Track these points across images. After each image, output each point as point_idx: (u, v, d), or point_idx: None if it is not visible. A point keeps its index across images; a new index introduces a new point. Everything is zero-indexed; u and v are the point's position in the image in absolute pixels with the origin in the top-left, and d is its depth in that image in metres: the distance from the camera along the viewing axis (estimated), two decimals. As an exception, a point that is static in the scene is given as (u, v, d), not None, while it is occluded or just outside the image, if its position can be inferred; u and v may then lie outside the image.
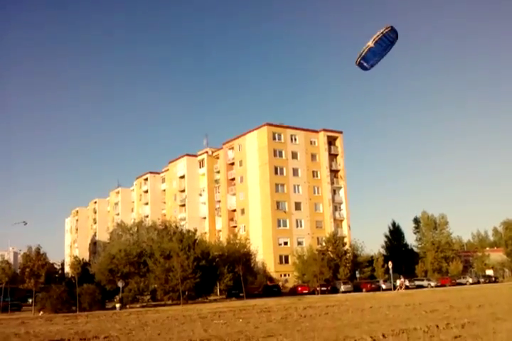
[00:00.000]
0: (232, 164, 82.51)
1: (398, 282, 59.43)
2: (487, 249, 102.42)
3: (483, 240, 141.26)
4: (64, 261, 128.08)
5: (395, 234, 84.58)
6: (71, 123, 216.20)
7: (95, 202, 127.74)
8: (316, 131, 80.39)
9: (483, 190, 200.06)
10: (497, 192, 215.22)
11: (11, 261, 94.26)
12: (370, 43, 11.92)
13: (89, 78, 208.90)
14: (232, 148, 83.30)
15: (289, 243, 72.17)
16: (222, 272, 52.00)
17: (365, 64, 12.40)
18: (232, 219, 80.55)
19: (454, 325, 15.74)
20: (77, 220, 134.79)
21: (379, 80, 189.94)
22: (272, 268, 68.21)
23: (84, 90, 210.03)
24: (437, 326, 15.42)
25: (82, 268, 59.08)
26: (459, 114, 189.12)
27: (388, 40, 12.12)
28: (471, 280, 69.01)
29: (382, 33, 11.92)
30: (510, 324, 15.38)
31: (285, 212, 73.34)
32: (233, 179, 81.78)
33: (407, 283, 60.76)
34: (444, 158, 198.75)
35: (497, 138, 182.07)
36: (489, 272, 78.51)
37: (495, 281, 71.56)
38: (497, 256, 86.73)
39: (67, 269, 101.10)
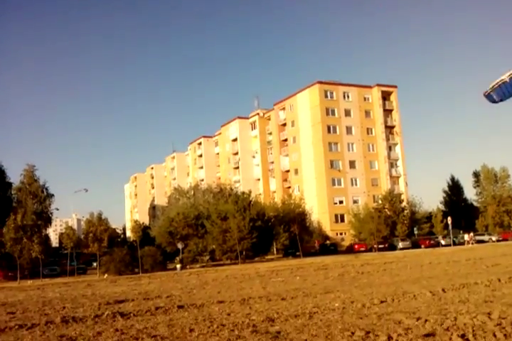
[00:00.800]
0: (284, 125, 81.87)
1: (467, 236, 59.44)
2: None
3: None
4: (125, 225, 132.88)
5: (454, 189, 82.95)
6: (129, 94, 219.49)
7: (152, 168, 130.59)
8: (370, 87, 78.22)
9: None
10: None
11: (75, 227, 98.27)
12: (505, 77, 11.77)
13: (144, 43, 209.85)
14: (284, 109, 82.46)
15: (344, 202, 71.80)
16: (278, 232, 52.63)
17: (494, 96, 12.19)
18: (285, 180, 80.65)
19: (517, 278, 15.36)
20: (135, 186, 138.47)
21: (433, 33, 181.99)
22: (327, 227, 68.36)
23: (135, 58, 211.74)
24: (499, 280, 15.07)
25: (143, 231, 61.12)
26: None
27: None
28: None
29: None
30: None
31: (339, 170, 72.66)
32: (285, 140, 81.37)
33: (478, 237, 60.09)
34: (501, 109, 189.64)
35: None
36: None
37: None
38: None
39: (128, 233, 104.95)
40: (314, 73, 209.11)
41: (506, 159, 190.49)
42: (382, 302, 11.93)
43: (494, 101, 12.10)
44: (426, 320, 8.91)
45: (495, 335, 7.47)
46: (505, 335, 7.47)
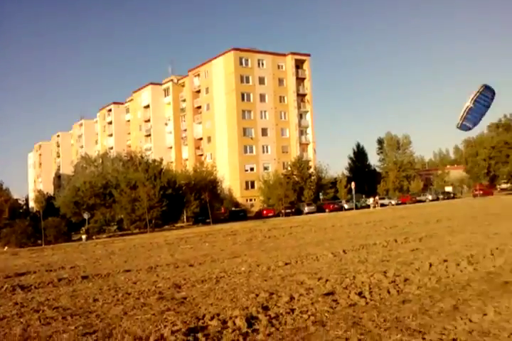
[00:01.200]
0: (199, 92, 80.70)
1: (372, 200, 62.56)
2: (447, 166, 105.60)
3: (444, 158, 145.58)
4: (28, 196, 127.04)
5: (359, 155, 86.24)
6: (33, 53, 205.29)
7: (58, 136, 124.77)
8: (284, 55, 78.42)
9: (445, 110, 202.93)
10: (457, 111, 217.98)
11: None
12: (469, 104, 12.13)
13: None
14: (198, 75, 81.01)
15: (255, 169, 72.68)
16: (188, 200, 52.43)
17: (467, 124, 12.55)
18: (198, 148, 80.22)
19: (412, 239, 16.38)
20: (40, 155, 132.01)
21: (344, 4, 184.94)
22: (238, 194, 69.14)
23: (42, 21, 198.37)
24: (396, 240, 16.02)
25: (47, 202, 58.78)
26: (420, 41, 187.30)
27: (486, 97, 12.48)
28: (430, 198, 71.60)
29: (478, 91, 12.17)
30: (464, 236, 16.10)
31: (252, 138, 73.17)
32: (199, 107, 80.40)
33: (380, 201, 63.44)
34: (406, 80, 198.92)
35: (451, 60, 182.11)
36: (448, 189, 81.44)
37: (453, 197, 74.43)
38: (457, 173, 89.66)
39: (31, 204, 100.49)
40: (230, 40, 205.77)
41: (409, 127, 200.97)
42: (286, 264, 12.32)
43: (469, 129, 12.86)
44: (327, 280, 9.32)
45: (389, 292, 7.96)
46: (398, 291, 7.98)
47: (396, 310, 6.75)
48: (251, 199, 69.89)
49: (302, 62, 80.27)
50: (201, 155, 78.64)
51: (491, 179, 71.31)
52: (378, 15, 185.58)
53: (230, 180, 68.85)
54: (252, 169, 72.69)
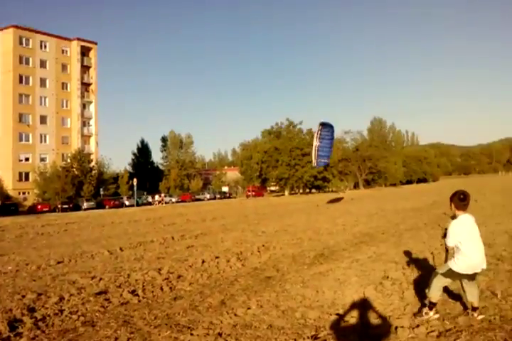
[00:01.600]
0: (-32, 68, 71.80)
1: (157, 197, 63.61)
2: (225, 167, 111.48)
3: (222, 160, 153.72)
4: None
5: (143, 151, 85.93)
6: None
7: None
8: (70, 40, 74.03)
9: (226, 113, 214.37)
10: (236, 116, 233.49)
11: None
12: (317, 142, 12.99)
13: None
14: (-31, 49, 72.05)
15: (30, 159, 67.28)
16: None
17: (322, 161, 13.18)
18: (-37, 131, 71.44)
19: (188, 236, 16.94)
20: None
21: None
22: (9, 186, 63.27)
23: None
24: (173, 238, 16.41)
25: None
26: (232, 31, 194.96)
27: (327, 132, 13.48)
28: (208, 196, 74.92)
29: (319, 130, 13.16)
30: (236, 233, 17.18)
31: (28, 125, 67.53)
32: (-32, 85, 71.62)
33: (166, 199, 64.42)
34: (195, 80, 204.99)
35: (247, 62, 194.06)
36: (225, 189, 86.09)
37: (229, 197, 78.96)
38: (233, 174, 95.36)
39: None
40: (10, 16, 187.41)
41: (192, 126, 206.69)
42: (58, 263, 11.76)
43: (326, 164, 13.81)
44: (100, 279, 9.15)
45: (162, 289, 8.14)
46: (170, 288, 8.20)
47: (167, 307, 6.93)
48: (24, 193, 64.53)
49: (89, 49, 77.04)
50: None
51: (263, 181, 77.37)
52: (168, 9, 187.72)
53: (1, 170, 62.72)
54: (27, 159, 67.15)
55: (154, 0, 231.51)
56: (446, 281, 5.57)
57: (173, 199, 68.66)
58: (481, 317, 5.49)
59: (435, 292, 5.55)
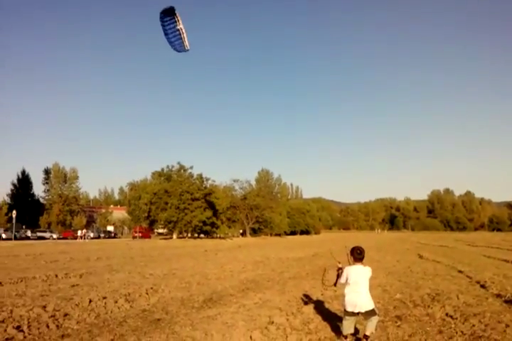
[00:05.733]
0: None
1: (80, 232, 64.10)
2: (111, 206, 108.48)
3: (109, 197, 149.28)
4: None
5: (23, 183, 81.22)
6: None
7: None
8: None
9: (112, 150, 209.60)
10: (126, 155, 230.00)
11: None
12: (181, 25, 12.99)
13: None
14: None
15: None
16: None
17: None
18: None
19: (72, 274, 16.45)
20: None
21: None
22: None
23: None
24: (56, 275, 15.87)
25: None
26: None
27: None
28: (92, 235, 72.21)
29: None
30: (122, 274, 16.96)
31: None
32: None
33: (89, 234, 62.75)
34: (90, 112, 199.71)
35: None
36: (110, 228, 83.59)
37: (114, 237, 76.63)
38: (119, 213, 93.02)
39: None
40: None
41: (76, 159, 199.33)
42: None
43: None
44: (-20, 314, 8.77)
45: (48, 326, 8.03)
46: (57, 326, 8.11)
47: (55, 344, 6.90)
48: None
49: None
50: None
51: (151, 223, 76.17)
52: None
53: None
54: None
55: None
56: (349, 319, 6.91)
57: (55, 236, 65.34)
58: None
59: (344, 328, 6.99)
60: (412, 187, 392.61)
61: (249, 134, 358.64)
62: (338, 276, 7.45)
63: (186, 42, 14.15)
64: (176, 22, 14.20)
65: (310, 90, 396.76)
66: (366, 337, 6.85)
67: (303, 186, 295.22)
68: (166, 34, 14.07)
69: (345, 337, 7.02)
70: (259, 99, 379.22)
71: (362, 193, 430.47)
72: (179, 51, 14.55)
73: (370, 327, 6.82)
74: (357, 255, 6.86)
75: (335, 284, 8.09)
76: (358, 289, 6.75)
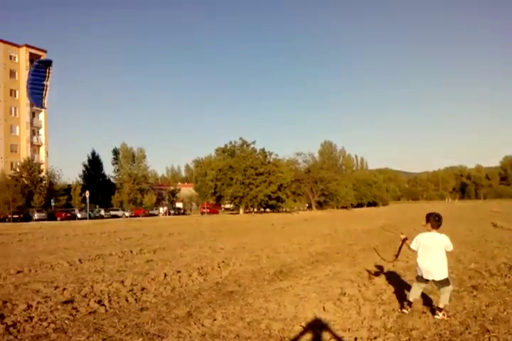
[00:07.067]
0: None
1: (161, 209, 69.08)
2: (179, 183, 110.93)
3: (176, 175, 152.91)
4: None
5: (94, 164, 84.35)
6: None
7: None
8: (18, 46, 72.76)
9: (180, 130, 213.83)
10: (191, 132, 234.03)
11: None
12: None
13: None
14: None
15: (-23, 166, 65.51)
16: None
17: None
18: None
19: (146, 250, 17.04)
20: None
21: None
22: (-45, 194, 61.23)
23: None
24: (131, 251, 16.48)
25: None
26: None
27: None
28: (161, 212, 74.35)
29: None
30: (194, 249, 17.39)
31: (-24, 132, 65.87)
32: None
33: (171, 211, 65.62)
34: (154, 94, 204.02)
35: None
36: (179, 205, 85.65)
37: (183, 213, 78.59)
38: (187, 190, 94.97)
39: None
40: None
41: (144, 139, 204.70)
42: (18, 272, 11.72)
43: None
44: (64, 289, 9.23)
45: (127, 300, 8.32)
46: (136, 299, 8.40)
47: (135, 317, 7.15)
48: (-30, 201, 62.53)
49: (38, 57, 75.61)
50: None
51: (217, 198, 77.42)
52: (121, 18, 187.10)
53: None
54: (-26, 166, 65.32)
55: (104, 11, 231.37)
56: (418, 285, 6.84)
57: (127, 214, 67.87)
58: (438, 317, 6.60)
59: (411, 293, 6.94)
60: (483, 154, 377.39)
61: (310, 107, 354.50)
62: (401, 248, 7.49)
63: (45, 100, 14.10)
64: (45, 76, 14.05)
65: (372, 58, 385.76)
66: (439, 309, 6.68)
67: (368, 157, 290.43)
68: (32, 83, 13.97)
69: (410, 303, 6.91)
70: (319, 71, 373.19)
71: (430, 162, 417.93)
72: (36, 105, 14.56)
73: (444, 299, 6.64)
74: (435, 221, 6.58)
75: (396, 256, 8.25)
76: (432, 256, 6.54)
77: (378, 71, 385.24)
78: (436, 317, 6.61)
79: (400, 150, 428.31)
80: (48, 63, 15.51)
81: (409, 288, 7.80)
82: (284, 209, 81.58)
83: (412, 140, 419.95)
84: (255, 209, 79.45)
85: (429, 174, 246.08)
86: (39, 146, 75.10)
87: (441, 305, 6.66)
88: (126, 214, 68.04)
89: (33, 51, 74.18)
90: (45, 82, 15.04)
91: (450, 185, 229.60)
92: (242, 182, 70.41)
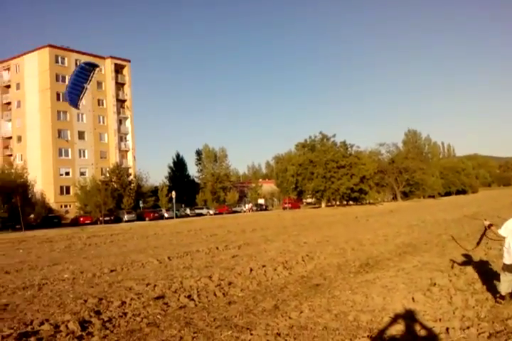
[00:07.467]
0: (8, 87, 74.44)
1: (247, 206, 72.89)
2: (260, 180, 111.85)
3: (256, 172, 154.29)
4: None
5: (179, 165, 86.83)
6: None
7: None
8: (103, 58, 76.29)
9: (259, 128, 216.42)
10: (269, 130, 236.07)
11: None
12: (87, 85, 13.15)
13: None
14: (9, 69, 74.71)
15: (70, 173, 69.14)
16: (-5, 204, 48.06)
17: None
18: (7, 147, 73.83)
19: (231, 246, 17.34)
20: None
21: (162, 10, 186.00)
22: (52, 199, 65.12)
23: None
24: (217, 248, 16.83)
25: None
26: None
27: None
28: (245, 209, 75.32)
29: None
30: (277, 244, 17.49)
31: (67, 141, 69.54)
32: (9, 103, 74.21)
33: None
34: (222, 93, 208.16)
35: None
36: (261, 201, 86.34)
37: (265, 209, 79.13)
38: (268, 187, 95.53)
39: None
40: (46, 36, 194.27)
41: (224, 140, 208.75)
42: (112, 271, 12.28)
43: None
44: (155, 285, 9.58)
45: (215, 294, 8.52)
46: (223, 294, 8.58)
47: (224, 311, 7.30)
48: (66, 206, 66.33)
49: (122, 67, 79.03)
50: (10, 155, 72.51)
51: (299, 193, 77.23)
52: (197, 24, 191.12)
53: (42, 184, 64.45)
54: (67, 173, 69.03)
55: (186, 18, 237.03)
56: (508, 275, 6.37)
57: (211, 212, 69.43)
58: None
59: (502, 286, 6.46)
60: None
61: (392, 95, 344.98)
62: (484, 235, 7.27)
63: (80, 102, 14.25)
64: (87, 79, 14.21)
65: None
66: None
67: (455, 144, 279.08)
68: (73, 83, 14.07)
69: (503, 296, 6.45)
70: (397, 55, 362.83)
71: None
72: (70, 104, 14.66)
73: None
74: None
75: (478, 243, 8.03)
76: None
77: (460, 53, 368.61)
78: None
79: (489, 135, 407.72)
80: (93, 66, 16.10)
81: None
82: (368, 202, 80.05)
83: (501, 123, 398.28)
84: (337, 203, 78.53)
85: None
86: (127, 151, 78.32)
87: None
88: (211, 212, 69.53)
89: (118, 62, 77.57)
90: (85, 85, 15.67)
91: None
92: (323, 175, 69.80)
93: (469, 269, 9.41)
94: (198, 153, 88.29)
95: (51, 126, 67.66)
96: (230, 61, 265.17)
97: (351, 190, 69.77)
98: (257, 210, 74.56)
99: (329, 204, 77.87)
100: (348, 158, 71.67)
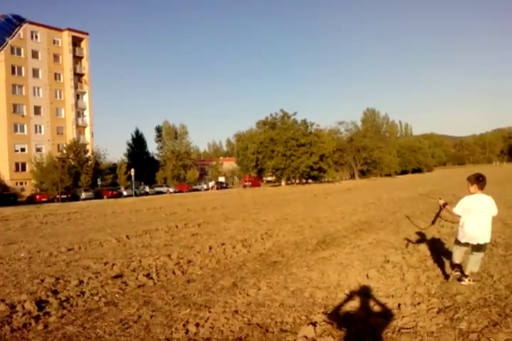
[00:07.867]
0: (-41, 60, 71.63)
1: (211, 184, 73.46)
2: (221, 158, 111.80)
3: (217, 150, 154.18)
4: None
5: (138, 142, 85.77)
6: None
7: None
8: (60, 30, 73.97)
9: (221, 105, 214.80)
10: (231, 107, 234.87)
11: None
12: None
13: None
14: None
15: (26, 149, 67.51)
16: None
17: None
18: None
19: (191, 224, 17.38)
20: None
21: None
22: (7, 177, 63.54)
23: None
24: (177, 226, 16.85)
25: None
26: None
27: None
28: (205, 187, 75.36)
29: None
30: (237, 222, 17.63)
31: (23, 116, 67.62)
32: (-41, 77, 71.46)
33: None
34: (186, 70, 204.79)
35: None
36: (222, 179, 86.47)
37: (226, 187, 79.36)
38: (229, 165, 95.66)
39: None
40: (0, 8, 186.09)
41: (185, 116, 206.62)
42: (69, 250, 12.15)
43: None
44: (113, 264, 9.55)
45: (174, 273, 8.55)
46: (182, 272, 8.62)
47: (183, 289, 7.35)
48: (22, 183, 64.87)
49: (80, 40, 77.00)
50: (-38, 131, 70.21)
51: (259, 171, 77.71)
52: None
53: (-3, 161, 62.89)
54: (23, 149, 67.38)
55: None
56: (460, 248, 6.56)
57: (171, 190, 69.16)
58: (464, 283, 6.45)
59: (455, 256, 6.63)
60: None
61: (350, 74, 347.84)
62: (438, 214, 7.32)
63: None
64: (11, 34, 13.65)
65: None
66: (465, 276, 6.50)
67: (412, 123, 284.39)
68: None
69: (458, 265, 6.65)
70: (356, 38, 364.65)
71: (477, 125, 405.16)
72: None
73: (473, 266, 6.44)
74: (478, 181, 6.27)
75: (433, 222, 8.08)
76: (479, 220, 6.27)
77: (419, 31, 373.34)
78: (462, 283, 6.46)
79: (445, 115, 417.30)
80: (21, 20, 15.23)
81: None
82: (327, 180, 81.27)
83: (457, 103, 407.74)
84: (297, 181, 79.43)
85: (476, 137, 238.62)
86: (84, 127, 76.76)
87: (467, 273, 6.47)
88: (171, 190, 69.29)
89: (75, 34, 75.38)
90: (7, 38, 14.89)
91: (498, 147, 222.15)
92: (283, 154, 70.35)
93: (422, 247, 9.73)
94: (158, 129, 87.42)
95: (6, 100, 65.58)
96: (193, 33, 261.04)
97: (311, 168, 70.62)
98: (217, 188, 74.69)
99: (289, 182, 78.64)
100: (308, 137, 72.30)
